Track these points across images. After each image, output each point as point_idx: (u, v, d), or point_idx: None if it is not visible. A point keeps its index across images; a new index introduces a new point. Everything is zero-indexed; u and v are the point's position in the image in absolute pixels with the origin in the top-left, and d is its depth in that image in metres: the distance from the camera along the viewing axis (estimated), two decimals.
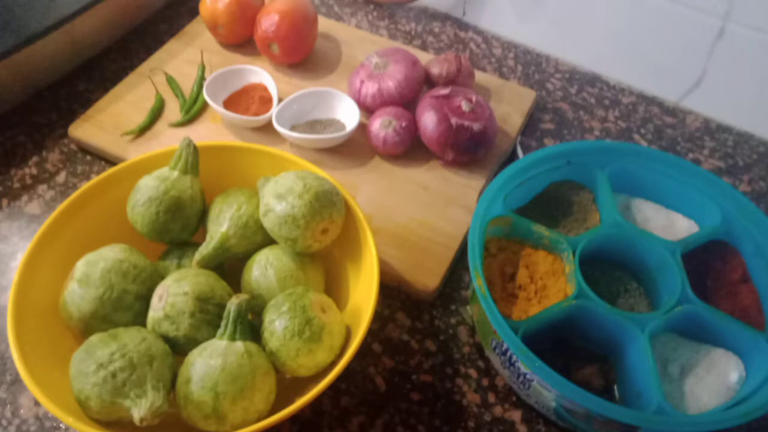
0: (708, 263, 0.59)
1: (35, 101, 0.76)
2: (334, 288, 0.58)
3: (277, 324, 0.49)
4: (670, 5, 0.74)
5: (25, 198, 0.68)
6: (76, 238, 0.54)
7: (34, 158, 0.71)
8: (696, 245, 0.58)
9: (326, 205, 0.53)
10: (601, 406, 0.47)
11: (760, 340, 0.52)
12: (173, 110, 0.75)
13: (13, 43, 0.69)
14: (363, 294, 0.53)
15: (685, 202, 0.62)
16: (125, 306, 0.49)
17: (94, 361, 0.44)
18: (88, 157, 0.72)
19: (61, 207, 0.54)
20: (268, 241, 0.57)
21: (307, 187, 0.53)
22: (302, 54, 0.79)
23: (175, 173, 0.55)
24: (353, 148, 0.72)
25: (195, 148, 0.56)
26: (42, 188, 0.69)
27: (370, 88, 0.72)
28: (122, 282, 0.49)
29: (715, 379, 0.53)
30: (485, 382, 0.57)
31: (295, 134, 0.70)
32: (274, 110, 0.71)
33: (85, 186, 0.55)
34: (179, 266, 0.55)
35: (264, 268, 0.54)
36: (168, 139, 0.72)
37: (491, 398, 0.56)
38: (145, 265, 0.51)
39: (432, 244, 0.64)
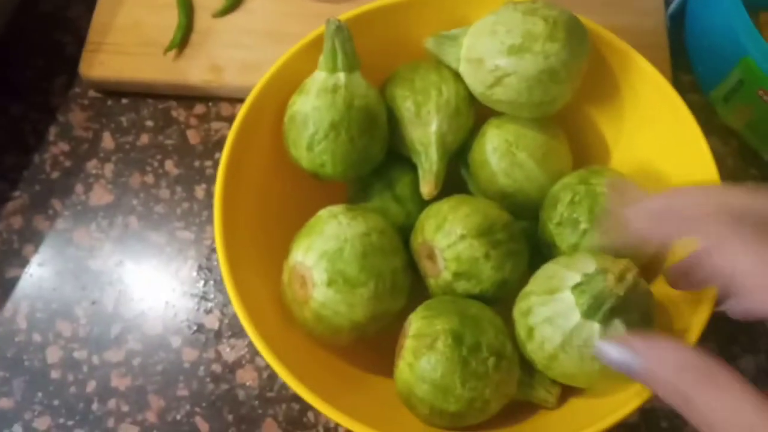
0: None
1: (1, 62, 0.52)
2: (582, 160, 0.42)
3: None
4: None
5: (79, 186, 0.48)
6: (250, 212, 0.37)
7: (52, 130, 0.50)
8: None
9: (583, 37, 0.36)
10: None
11: None
12: None
13: None
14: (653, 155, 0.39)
15: None
16: (399, 289, 0.34)
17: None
18: (125, 101, 0.50)
19: (219, 188, 0.35)
20: (478, 123, 0.41)
21: (550, 21, 0.35)
22: None
23: (341, 75, 0.36)
24: None
25: (348, 30, 0.37)
26: (91, 165, 0.48)
27: None
28: (386, 261, 0.33)
29: None
30: None
31: None
32: None
33: (230, 141, 0.36)
34: (397, 201, 0.39)
35: (509, 154, 0.38)
36: (227, 36, 0.50)
37: None
38: (385, 225, 0.35)
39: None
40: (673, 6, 0.51)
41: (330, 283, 0.32)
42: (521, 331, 0.32)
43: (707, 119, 0.41)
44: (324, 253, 0.32)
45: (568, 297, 0.30)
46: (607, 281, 0.28)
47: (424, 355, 0.31)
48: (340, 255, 0.32)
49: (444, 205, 0.36)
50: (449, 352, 0.30)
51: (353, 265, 0.32)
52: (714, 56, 0.46)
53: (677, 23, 0.51)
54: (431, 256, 0.35)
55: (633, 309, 0.30)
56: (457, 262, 0.34)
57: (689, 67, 0.50)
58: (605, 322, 0.29)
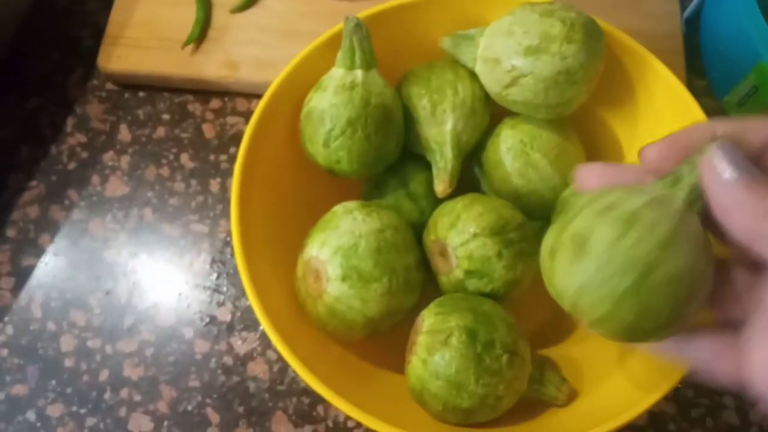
0: None
1: (18, 56, 0.53)
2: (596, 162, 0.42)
3: None
4: None
5: (95, 177, 0.48)
6: (265, 207, 0.37)
7: (69, 121, 0.50)
8: None
9: (599, 39, 0.37)
10: None
11: None
12: None
13: None
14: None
15: None
16: (412, 285, 0.34)
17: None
18: (141, 94, 0.51)
19: (236, 182, 0.36)
20: (492, 123, 0.41)
21: (568, 23, 0.35)
22: None
23: (358, 73, 0.37)
24: None
25: (366, 28, 0.37)
26: (107, 157, 0.49)
27: None
28: (400, 258, 0.33)
29: None
30: None
31: None
32: None
33: (248, 136, 0.37)
34: (410, 199, 0.39)
35: (523, 155, 0.38)
36: (244, 32, 0.50)
37: None
38: (399, 222, 0.35)
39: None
40: (688, 10, 0.51)
41: (344, 278, 0.32)
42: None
43: None
44: (339, 248, 0.33)
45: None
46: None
47: (438, 351, 0.31)
48: (355, 250, 0.32)
49: (458, 204, 0.36)
50: (463, 348, 0.30)
51: (368, 260, 0.32)
52: (728, 61, 0.47)
53: (692, 28, 0.51)
54: (443, 254, 0.35)
55: None
56: (470, 260, 0.34)
57: (703, 72, 0.50)
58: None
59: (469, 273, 0.34)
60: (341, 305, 0.33)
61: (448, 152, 0.38)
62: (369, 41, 0.37)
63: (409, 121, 0.39)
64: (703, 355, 0.26)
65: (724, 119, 0.26)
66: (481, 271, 0.34)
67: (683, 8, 0.52)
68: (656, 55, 0.39)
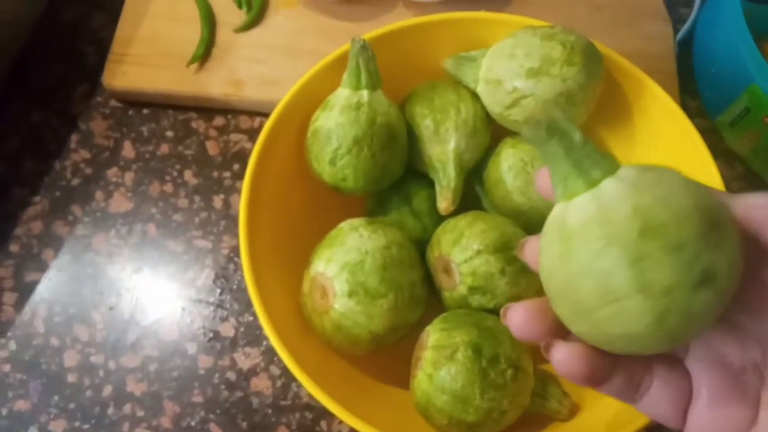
0: None
1: (23, 70, 0.53)
2: None
3: None
4: None
5: (99, 193, 0.48)
6: (271, 222, 0.38)
7: (74, 137, 0.51)
8: None
9: (598, 62, 0.38)
10: None
11: None
12: (225, 7, 0.53)
13: None
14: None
15: None
16: (417, 301, 0.35)
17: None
18: (146, 111, 0.51)
19: (244, 198, 0.36)
20: (494, 141, 0.42)
21: (568, 46, 0.37)
22: None
23: (364, 93, 0.38)
24: None
25: (371, 50, 0.38)
26: (111, 173, 0.49)
27: None
28: (405, 274, 0.34)
29: None
30: None
31: None
32: None
33: (256, 153, 0.38)
34: (414, 215, 0.40)
35: (524, 173, 0.39)
36: (247, 50, 0.51)
37: None
38: (404, 239, 0.36)
39: None
40: (681, 32, 0.53)
41: (351, 294, 0.33)
42: None
43: (713, 143, 0.42)
44: (345, 265, 0.33)
45: None
46: None
47: (444, 366, 0.31)
48: (362, 267, 0.33)
49: (461, 221, 0.37)
50: (469, 363, 0.31)
51: (374, 277, 0.33)
52: (721, 83, 0.48)
53: (685, 49, 0.53)
54: (447, 270, 0.36)
55: None
56: (473, 277, 0.35)
57: (696, 92, 0.52)
58: None
59: (472, 289, 0.35)
60: (347, 321, 0.33)
61: (451, 171, 0.39)
62: (374, 62, 0.38)
63: (412, 139, 0.40)
64: (663, 411, 0.25)
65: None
66: (484, 288, 0.35)
67: (676, 30, 0.53)
68: (650, 75, 0.41)
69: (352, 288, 0.33)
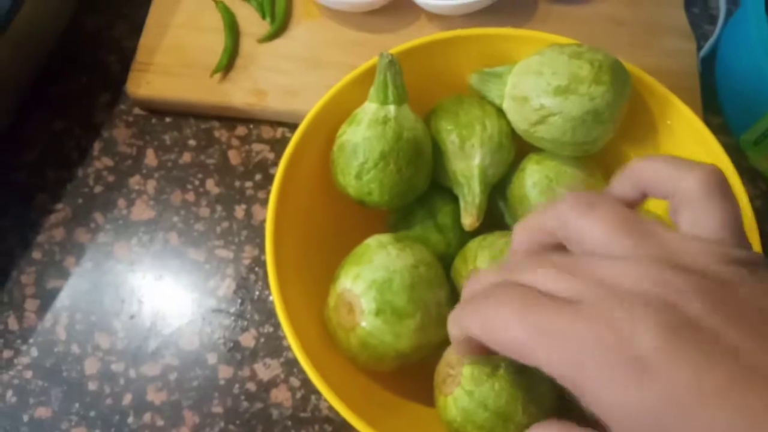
0: None
1: (46, 79, 0.54)
2: None
3: None
4: None
5: (121, 201, 0.49)
6: (296, 234, 0.38)
7: (96, 145, 0.51)
8: None
9: (626, 80, 0.38)
10: None
11: None
12: (249, 18, 0.54)
13: None
14: None
15: None
16: (442, 320, 0.35)
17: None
18: (168, 119, 0.52)
19: (271, 210, 0.36)
20: (518, 157, 0.42)
21: (596, 65, 0.37)
22: None
23: (391, 108, 0.38)
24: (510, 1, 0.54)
25: (399, 64, 0.38)
26: (133, 181, 0.50)
27: None
28: (432, 294, 0.34)
29: None
30: None
31: (447, 1, 0.51)
32: None
33: (283, 165, 0.38)
34: (438, 230, 0.40)
35: (549, 191, 0.39)
36: (270, 61, 0.52)
37: None
38: (432, 258, 0.36)
39: None
40: (704, 49, 0.53)
41: (378, 312, 0.33)
42: None
43: (736, 161, 0.42)
44: (373, 283, 0.33)
45: None
46: None
47: (486, 382, 0.31)
48: (390, 286, 0.33)
49: (500, 239, 0.37)
50: (513, 378, 0.31)
51: (402, 296, 0.33)
52: (745, 101, 0.48)
53: (708, 66, 0.53)
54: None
55: None
56: None
57: (718, 109, 0.52)
58: None
59: None
60: (374, 339, 0.33)
61: (476, 186, 0.39)
62: (401, 77, 0.38)
63: (437, 154, 0.40)
64: None
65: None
66: None
67: (699, 47, 0.53)
68: (673, 92, 0.41)
69: (379, 306, 0.33)
